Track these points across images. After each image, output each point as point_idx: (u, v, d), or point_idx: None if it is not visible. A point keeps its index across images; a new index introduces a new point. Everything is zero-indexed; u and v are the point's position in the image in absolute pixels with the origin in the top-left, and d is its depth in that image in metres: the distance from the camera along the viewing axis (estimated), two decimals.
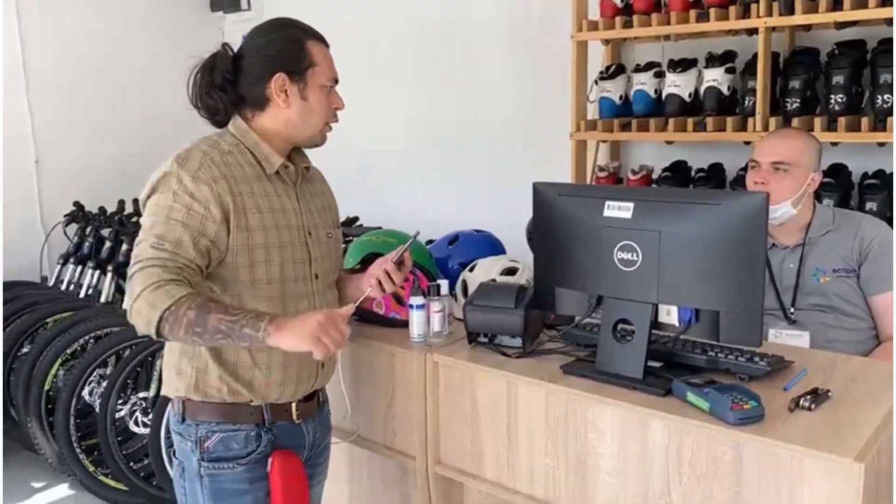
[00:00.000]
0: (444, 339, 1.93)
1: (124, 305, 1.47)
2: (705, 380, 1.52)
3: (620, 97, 3.05)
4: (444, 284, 1.95)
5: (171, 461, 2.61)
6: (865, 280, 2.09)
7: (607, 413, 1.60)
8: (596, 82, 3.09)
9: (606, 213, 1.65)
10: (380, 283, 1.67)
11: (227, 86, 1.60)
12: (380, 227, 2.84)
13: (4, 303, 3.67)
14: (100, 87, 4.21)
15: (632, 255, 1.62)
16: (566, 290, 1.76)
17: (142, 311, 1.40)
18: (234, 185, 1.52)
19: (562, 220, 1.73)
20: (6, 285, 3.81)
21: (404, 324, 1.99)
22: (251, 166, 1.58)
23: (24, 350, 3.47)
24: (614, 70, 3.07)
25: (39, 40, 3.96)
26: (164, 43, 4.45)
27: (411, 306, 1.93)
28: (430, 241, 2.42)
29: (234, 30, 4.56)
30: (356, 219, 3.32)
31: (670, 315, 1.65)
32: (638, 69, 3.02)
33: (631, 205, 1.62)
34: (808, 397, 1.47)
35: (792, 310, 2.12)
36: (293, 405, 1.63)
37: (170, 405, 1.64)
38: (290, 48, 1.60)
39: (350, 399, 1.99)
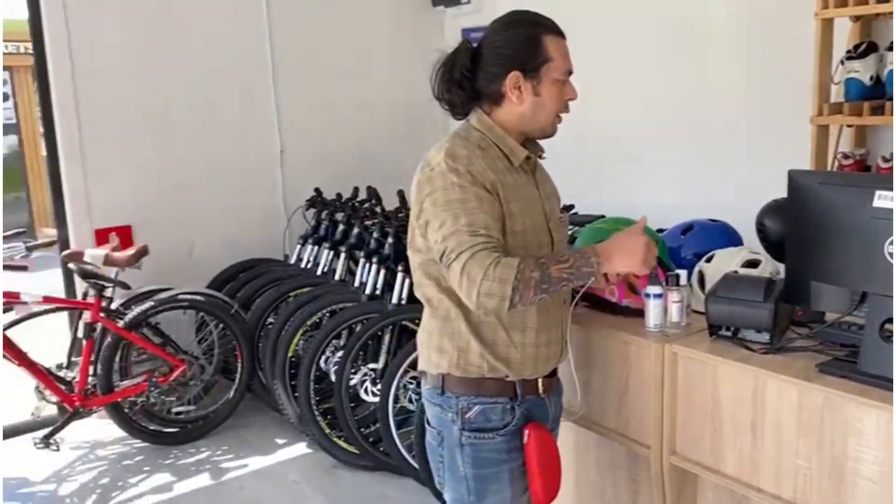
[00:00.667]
0: (682, 331, 1.90)
1: (464, 297, 1.50)
2: None
3: (871, 78, 2.79)
4: (682, 275, 1.92)
5: (409, 431, 2.81)
6: None
7: (872, 416, 1.50)
8: (842, 62, 2.85)
9: (876, 203, 1.54)
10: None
11: (464, 81, 1.66)
12: (602, 216, 2.84)
13: (254, 278, 4.13)
14: (339, 82, 4.57)
15: None
16: (824, 285, 1.67)
17: (492, 290, 1.45)
18: (496, 175, 1.58)
19: (822, 210, 1.64)
20: (254, 262, 4.28)
21: (637, 312, 1.99)
22: (501, 159, 1.63)
23: (270, 320, 3.88)
24: (865, 48, 2.82)
25: (287, 39, 4.37)
26: (392, 38, 4.74)
27: (648, 295, 1.92)
28: (660, 230, 2.38)
29: (454, 23, 4.74)
30: (572, 206, 3.34)
31: None
32: (892, 47, 2.74)
33: None
34: None
35: None
36: (539, 380, 1.70)
37: (423, 379, 1.76)
38: (525, 46, 1.62)
39: (580, 382, 2.03)
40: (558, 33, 1.66)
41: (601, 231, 2.18)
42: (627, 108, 3.86)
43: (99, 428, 3.72)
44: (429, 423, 1.77)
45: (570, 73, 1.67)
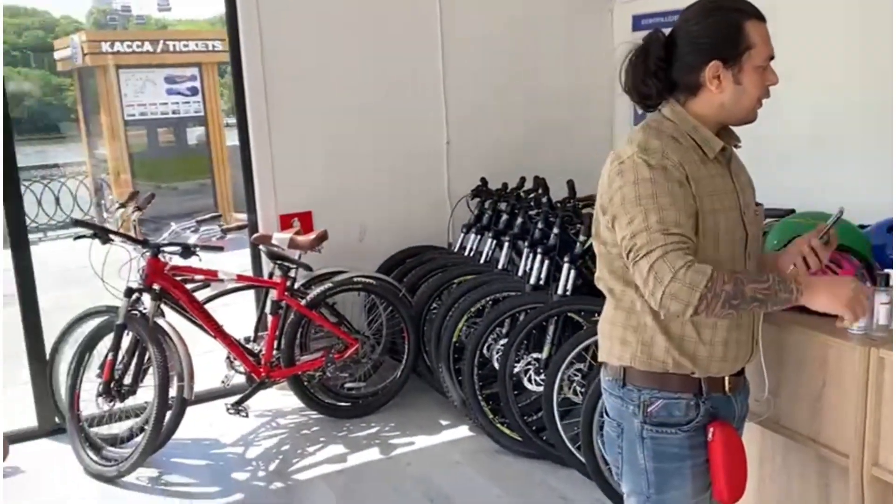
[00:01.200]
0: (889, 335, 1.77)
1: (647, 295, 1.48)
2: None
3: None
4: (893, 274, 1.79)
5: (574, 423, 2.81)
6: None
7: None
8: None
9: None
10: (805, 261, 1.62)
11: (659, 72, 1.61)
12: (792, 210, 2.69)
13: (420, 264, 4.28)
14: (507, 72, 4.63)
15: None
16: None
17: (679, 293, 1.42)
18: (690, 168, 1.54)
19: None
20: (421, 248, 4.44)
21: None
22: (695, 150, 1.58)
23: (435, 305, 4.02)
24: None
25: (457, 30, 4.47)
26: (561, 27, 4.73)
27: None
28: (862, 226, 2.22)
29: (625, 11, 4.64)
30: (758, 204, 3.17)
31: None
32: None
33: None
34: None
35: None
36: (726, 378, 1.66)
37: (603, 369, 1.76)
38: (725, 34, 1.56)
39: (770, 383, 1.94)
40: (760, 17, 1.58)
41: (796, 226, 2.08)
42: (814, 90, 3.57)
43: (279, 398, 4.03)
44: (607, 414, 1.76)
45: (771, 58, 1.59)
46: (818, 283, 1.48)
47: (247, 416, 3.65)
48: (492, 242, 4.07)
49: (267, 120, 4.07)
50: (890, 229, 2.12)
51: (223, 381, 3.82)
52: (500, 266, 3.93)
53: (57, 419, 3.72)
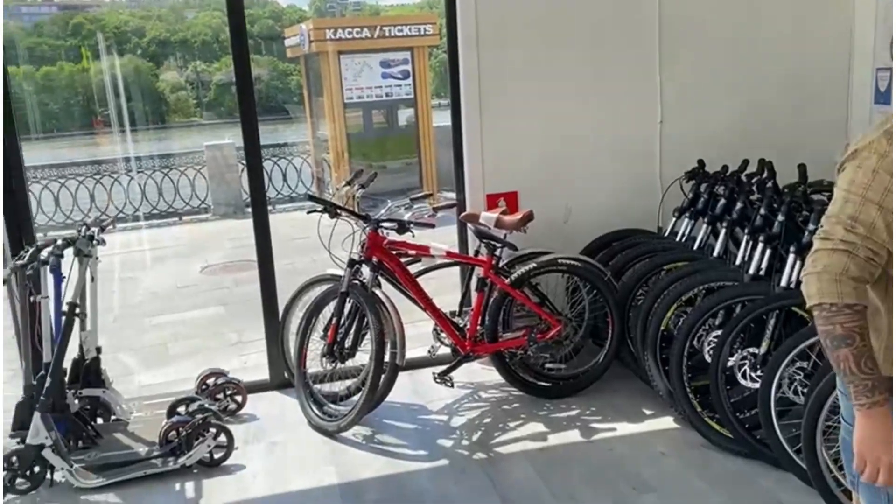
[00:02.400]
0: None
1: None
2: None
3: None
4: None
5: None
6: None
7: None
8: None
9: None
10: None
11: None
12: None
13: (626, 248, 4.19)
14: (727, 49, 4.37)
15: None
16: None
17: (810, 283, 1.47)
18: None
19: None
20: (628, 232, 4.33)
21: None
22: None
23: (641, 292, 3.91)
24: None
25: (675, 4, 4.28)
26: (794, 5, 4.36)
27: None
28: None
29: None
30: None
31: None
32: None
33: None
34: None
35: None
36: None
37: None
38: None
39: None
40: None
41: None
42: None
43: (480, 373, 4.15)
44: (843, 419, 1.64)
45: None
46: (875, 417, 1.44)
47: (452, 386, 3.80)
48: (707, 228, 3.87)
49: (479, 101, 4.16)
50: None
51: (430, 352, 4.01)
52: (714, 254, 3.74)
53: (286, 374, 4.11)
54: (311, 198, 3.82)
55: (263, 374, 4.19)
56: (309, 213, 3.70)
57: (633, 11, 4.27)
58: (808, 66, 4.41)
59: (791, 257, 3.14)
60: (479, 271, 3.92)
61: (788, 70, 4.39)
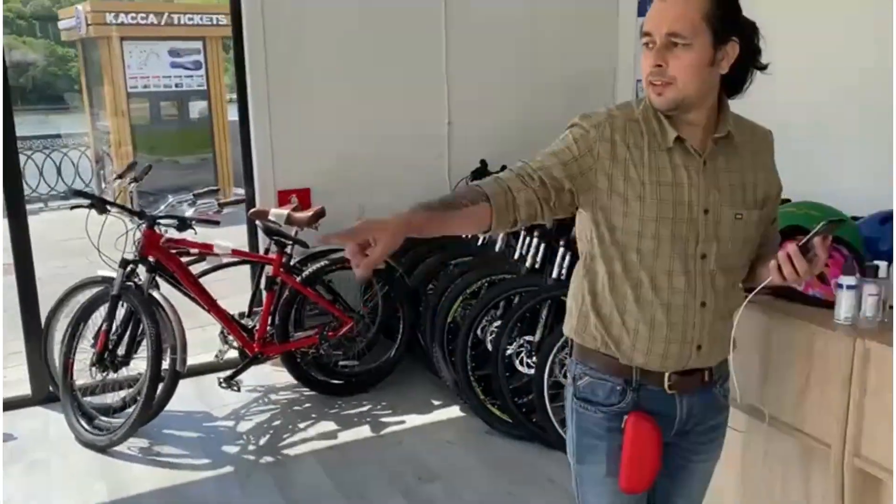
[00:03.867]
0: (877, 326, 1.77)
1: None
2: None
3: None
4: (882, 266, 1.79)
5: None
6: None
7: None
8: None
9: None
10: (779, 267, 1.46)
11: None
12: (788, 200, 2.68)
13: (418, 244, 4.28)
14: (513, 56, 4.61)
15: None
16: None
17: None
18: (621, 150, 1.48)
19: None
20: None
21: (825, 304, 1.88)
22: (650, 135, 1.50)
23: (431, 286, 4.02)
24: None
25: (461, 11, 4.44)
26: (568, 11, 4.68)
27: (840, 286, 1.81)
28: (855, 218, 2.22)
29: None
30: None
31: None
32: None
33: None
34: None
35: None
36: (667, 375, 1.57)
37: None
38: None
39: (758, 372, 1.95)
40: None
41: (791, 216, 2.07)
42: (812, 81, 3.54)
43: (271, 374, 4.04)
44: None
45: (645, 34, 1.47)
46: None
47: (239, 390, 3.67)
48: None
49: (267, 95, 4.05)
50: (882, 221, 2.12)
51: (217, 356, 3.83)
52: (497, 248, 3.94)
53: (51, 387, 3.74)
54: (76, 192, 3.50)
55: (25, 389, 3.78)
56: (73, 209, 3.39)
57: (421, 16, 4.37)
58: (580, 75, 4.76)
59: (561, 251, 3.38)
60: (268, 270, 3.81)
61: (563, 77, 4.72)
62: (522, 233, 3.67)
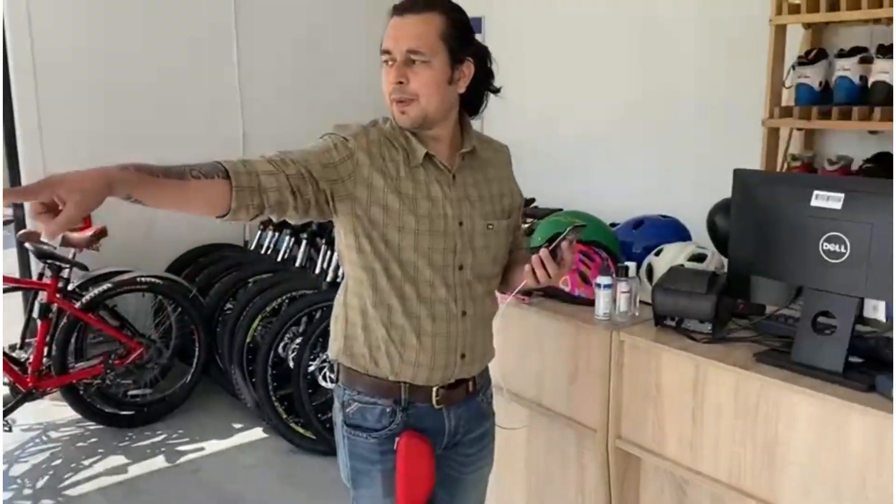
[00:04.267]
0: (630, 320, 1.98)
1: None
2: None
3: (820, 84, 2.90)
4: (632, 267, 2.00)
5: None
6: None
7: (803, 404, 1.59)
8: (793, 67, 2.95)
9: (814, 202, 1.62)
10: (533, 271, 1.54)
11: None
12: (560, 209, 2.92)
13: (213, 262, 4.13)
14: (304, 72, 4.61)
15: (839, 247, 1.59)
16: (763, 279, 1.75)
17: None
18: (378, 162, 1.51)
19: (764, 207, 1.72)
20: (214, 247, 4.28)
21: (589, 302, 2.06)
22: (403, 151, 1.54)
23: (229, 306, 3.88)
24: (815, 55, 2.92)
25: (253, 23, 4.39)
26: (359, 32, 4.75)
27: (598, 285, 1.99)
28: (613, 224, 2.46)
29: None
30: (532, 200, 3.41)
31: (877, 311, 1.61)
32: (842, 55, 2.86)
33: (842, 195, 1.58)
34: None
35: None
36: (434, 389, 1.60)
37: None
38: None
39: (534, 369, 2.10)
40: (397, 11, 1.51)
41: (556, 223, 2.26)
42: (590, 104, 3.91)
43: (51, 410, 3.69)
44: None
45: (385, 52, 1.51)
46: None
47: (10, 430, 3.32)
48: (289, 240, 4.01)
49: (37, 106, 3.73)
50: (635, 226, 2.38)
51: None
52: (297, 264, 3.89)
53: None
54: None
55: None
56: None
57: (210, 24, 4.26)
58: (371, 89, 4.85)
59: None
60: (42, 296, 3.48)
61: (355, 93, 4.78)
62: (323, 247, 3.67)
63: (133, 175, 1.28)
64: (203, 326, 3.77)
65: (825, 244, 1.61)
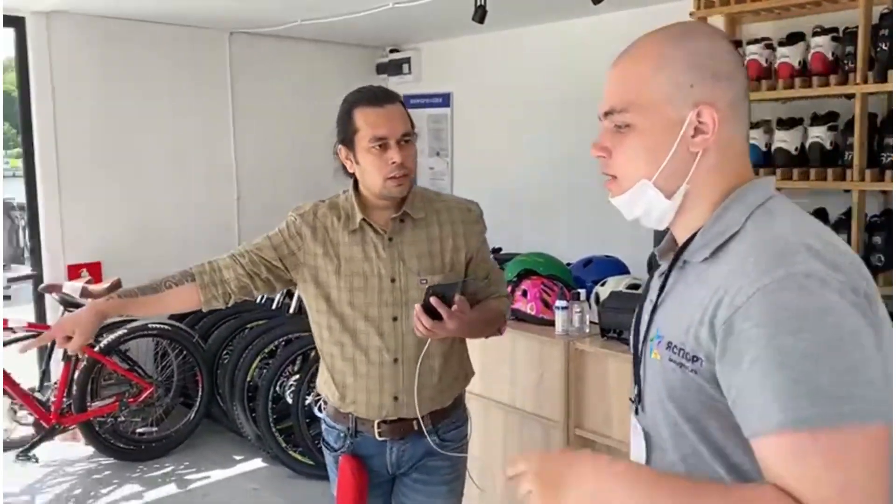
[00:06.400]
0: (582, 334, 2.51)
1: None
2: None
3: None
4: (582, 293, 2.55)
5: None
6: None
7: None
8: None
9: None
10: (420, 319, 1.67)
11: None
12: (517, 254, 3.47)
13: (212, 311, 4.55)
14: (292, 138, 5.16)
15: None
16: None
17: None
18: (320, 233, 1.81)
19: None
20: None
21: (550, 322, 2.59)
22: (346, 219, 1.81)
23: (227, 350, 4.30)
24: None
25: (247, 99, 4.95)
26: (336, 101, 5.34)
27: (557, 308, 2.53)
28: (568, 264, 3.02)
29: (396, 91, 5.36)
30: (500, 249, 3.96)
31: None
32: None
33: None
34: None
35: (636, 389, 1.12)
36: (376, 423, 1.82)
37: None
38: (341, 121, 1.80)
39: (508, 376, 2.61)
40: (372, 103, 1.74)
41: (523, 262, 2.80)
42: (535, 164, 4.52)
43: (65, 449, 4.03)
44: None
45: (381, 139, 1.71)
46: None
47: (37, 461, 3.65)
48: (283, 291, 4.46)
49: (57, 172, 4.19)
50: (585, 265, 2.94)
51: (5, 434, 3.78)
52: (290, 311, 4.34)
53: None
54: None
55: None
56: None
57: (209, 102, 4.81)
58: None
59: None
60: None
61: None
62: None
63: (118, 302, 1.79)
64: (205, 369, 4.17)
65: None
